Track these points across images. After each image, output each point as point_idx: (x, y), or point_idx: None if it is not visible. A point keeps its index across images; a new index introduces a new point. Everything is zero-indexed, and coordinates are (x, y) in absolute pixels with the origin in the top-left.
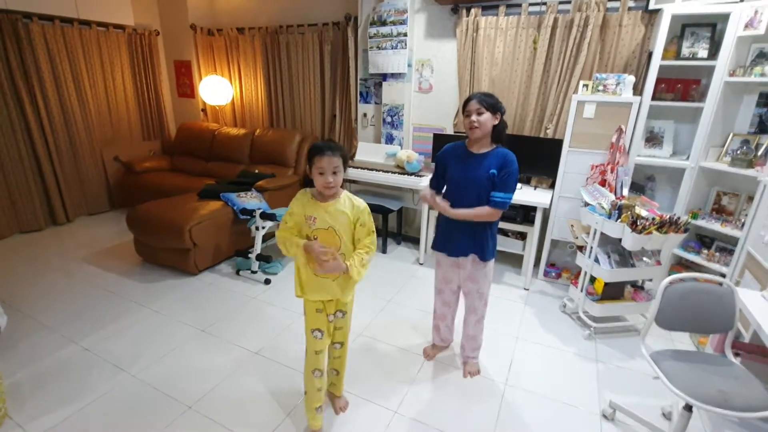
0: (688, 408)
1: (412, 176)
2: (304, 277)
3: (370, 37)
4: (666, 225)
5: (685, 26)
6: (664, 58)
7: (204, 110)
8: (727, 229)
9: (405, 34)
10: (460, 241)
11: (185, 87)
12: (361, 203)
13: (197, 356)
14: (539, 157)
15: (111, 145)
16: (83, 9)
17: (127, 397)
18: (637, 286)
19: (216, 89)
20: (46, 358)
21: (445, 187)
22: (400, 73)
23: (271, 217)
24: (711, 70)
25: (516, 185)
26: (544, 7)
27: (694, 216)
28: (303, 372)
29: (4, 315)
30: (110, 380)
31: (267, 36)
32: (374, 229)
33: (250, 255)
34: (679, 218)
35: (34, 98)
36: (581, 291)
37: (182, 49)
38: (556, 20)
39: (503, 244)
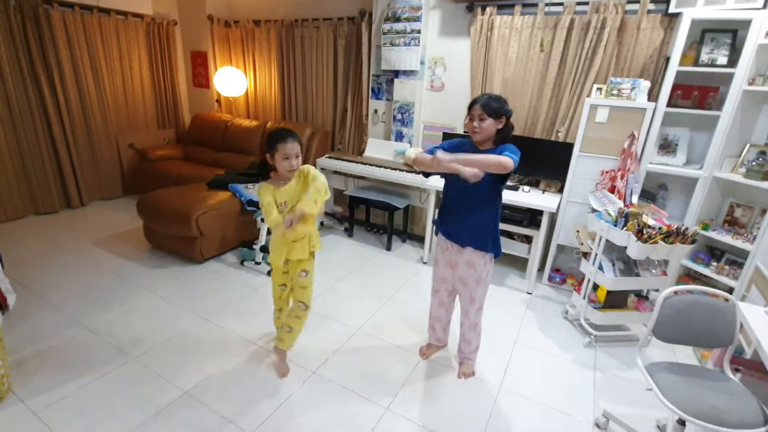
0: (681, 422)
1: (420, 174)
2: (274, 241)
3: (384, 33)
4: (673, 235)
5: (705, 31)
6: (681, 63)
7: (218, 101)
8: (738, 242)
9: (419, 31)
10: (461, 228)
11: (201, 77)
12: (304, 167)
13: (197, 343)
14: (549, 161)
15: (126, 132)
16: None
17: (127, 379)
18: (642, 296)
19: (231, 80)
20: (52, 336)
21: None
22: (412, 71)
23: None
24: (730, 77)
25: (518, 154)
26: (560, 8)
27: (705, 227)
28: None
29: (13, 293)
30: (112, 361)
31: (282, 29)
32: (318, 178)
33: (254, 246)
34: (687, 229)
35: (53, 83)
36: (584, 298)
37: (199, 39)
38: (572, 21)
39: (508, 246)
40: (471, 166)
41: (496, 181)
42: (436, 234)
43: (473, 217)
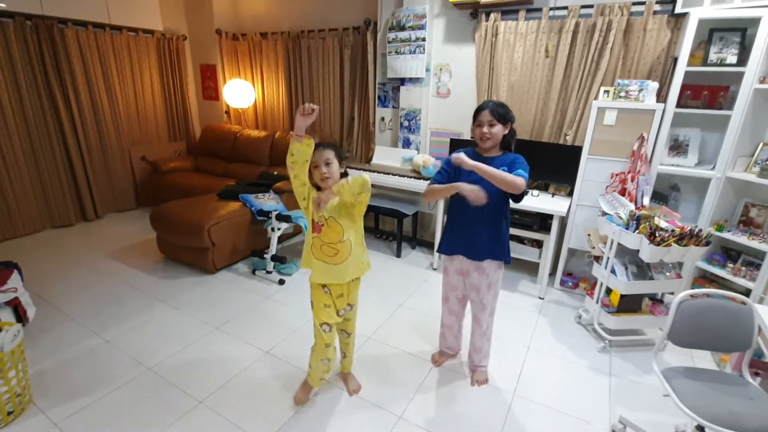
0: (701, 429)
1: (428, 181)
2: (313, 256)
3: (389, 42)
4: (686, 237)
5: (713, 31)
6: (690, 64)
7: (227, 113)
8: (755, 243)
9: (423, 39)
10: (472, 242)
11: (210, 90)
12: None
13: (211, 352)
14: (558, 164)
15: (139, 145)
16: (115, 15)
17: (144, 389)
18: (656, 300)
19: (239, 92)
20: (71, 348)
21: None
22: (418, 78)
23: (286, 218)
24: (740, 76)
25: (528, 170)
26: (565, 11)
27: (720, 228)
28: (309, 359)
29: (33, 306)
30: (129, 372)
31: (289, 41)
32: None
33: (265, 255)
34: (700, 230)
35: (68, 99)
36: (597, 302)
37: (208, 53)
38: (577, 24)
39: (519, 251)
40: (487, 176)
41: (507, 197)
42: (440, 252)
43: (488, 230)
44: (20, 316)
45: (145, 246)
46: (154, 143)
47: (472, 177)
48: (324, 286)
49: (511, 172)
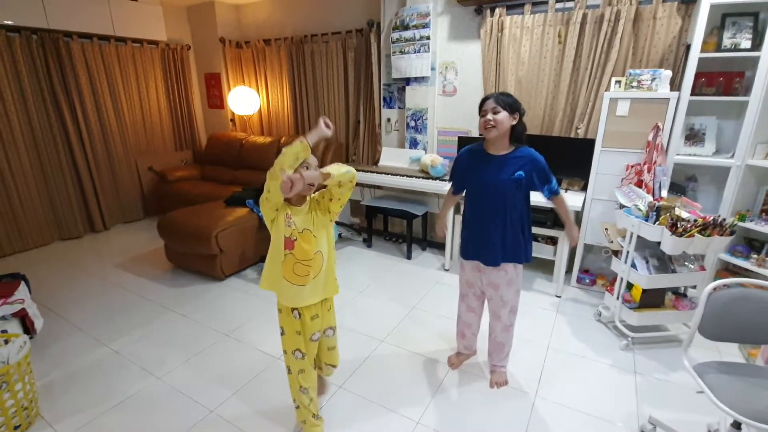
0: (737, 425)
1: (437, 181)
2: (276, 273)
3: (393, 42)
4: (710, 227)
5: (726, 16)
6: (703, 50)
7: (233, 120)
8: None
9: (428, 38)
10: (491, 248)
11: (215, 98)
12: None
13: (220, 360)
14: (570, 158)
15: (145, 155)
16: (119, 27)
17: (153, 400)
18: (679, 294)
19: (244, 100)
20: (78, 359)
21: (465, 192)
22: (423, 77)
23: None
24: (755, 61)
25: (551, 173)
26: (572, 3)
27: (742, 218)
28: (289, 388)
29: (41, 317)
30: (137, 382)
31: (292, 46)
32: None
33: None
34: (724, 220)
35: (74, 112)
36: (617, 298)
37: (212, 61)
38: (585, 16)
39: (533, 248)
40: (571, 229)
41: (525, 197)
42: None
43: (506, 233)
44: (27, 327)
45: (153, 255)
46: (160, 153)
47: (487, 174)
48: (293, 309)
49: (543, 189)
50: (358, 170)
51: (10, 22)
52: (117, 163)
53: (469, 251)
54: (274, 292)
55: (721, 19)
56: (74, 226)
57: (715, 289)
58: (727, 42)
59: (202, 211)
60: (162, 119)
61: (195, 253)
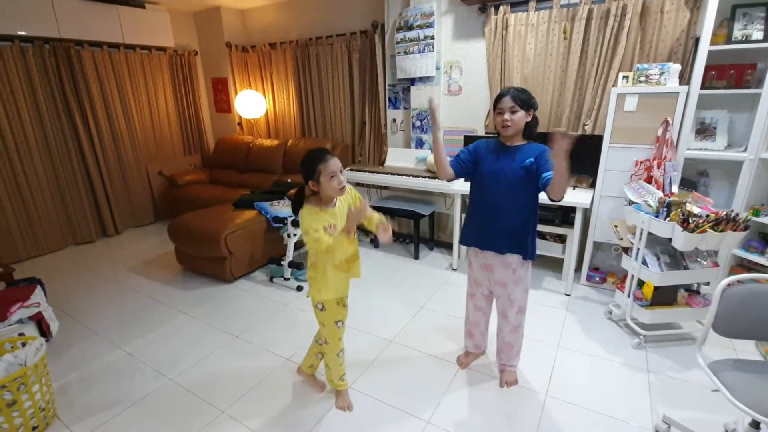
0: (755, 424)
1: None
2: (331, 278)
3: (397, 43)
4: (723, 222)
5: (736, 7)
6: (713, 43)
7: (240, 124)
8: None
9: (432, 37)
10: (497, 235)
11: (222, 102)
12: (350, 188)
13: (231, 361)
14: (577, 155)
15: (155, 160)
16: (128, 34)
17: (166, 401)
18: (692, 290)
19: (251, 103)
20: (94, 361)
21: (471, 184)
22: (428, 77)
23: None
24: (767, 52)
25: None
26: None
27: (756, 213)
28: (326, 360)
29: (56, 321)
30: (151, 384)
31: (297, 49)
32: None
33: (282, 262)
34: (737, 215)
35: (86, 119)
36: (628, 296)
37: (219, 66)
38: (590, 11)
39: (541, 247)
40: (562, 174)
41: (534, 191)
42: (462, 244)
43: (513, 220)
44: (43, 330)
45: (164, 259)
46: (169, 158)
47: (501, 161)
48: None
49: (540, 167)
50: (364, 171)
51: (23, 33)
52: (128, 168)
53: (473, 237)
54: (314, 298)
55: (732, 11)
56: (87, 230)
57: (729, 285)
58: (737, 33)
59: (211, 215)
60: (171, 124)
61: (205, 256)
